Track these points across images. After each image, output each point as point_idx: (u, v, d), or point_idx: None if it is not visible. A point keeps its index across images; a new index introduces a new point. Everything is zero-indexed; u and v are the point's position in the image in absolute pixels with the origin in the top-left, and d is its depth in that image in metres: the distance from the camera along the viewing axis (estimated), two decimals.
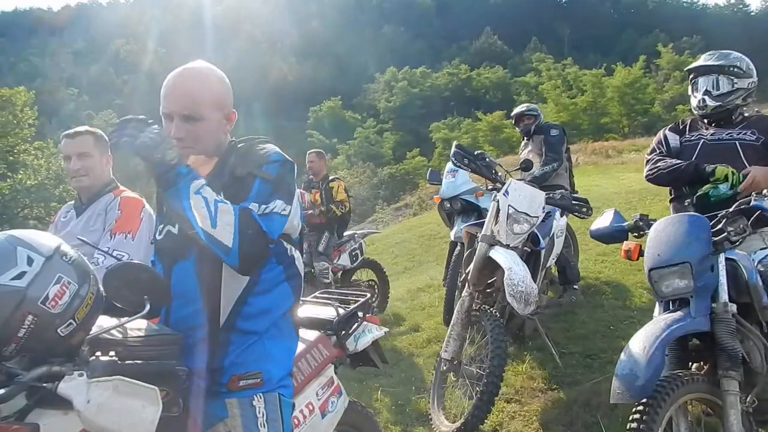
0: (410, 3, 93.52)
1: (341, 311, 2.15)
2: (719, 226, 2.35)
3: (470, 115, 46.68)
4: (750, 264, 2.37)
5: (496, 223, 3.43)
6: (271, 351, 1.66)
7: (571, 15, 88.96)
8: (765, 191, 2.51)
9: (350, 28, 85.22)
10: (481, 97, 60.30)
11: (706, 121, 3.01)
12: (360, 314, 2.22)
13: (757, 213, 2.34)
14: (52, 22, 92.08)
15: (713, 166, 2.70)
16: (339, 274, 5.97)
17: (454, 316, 3.34)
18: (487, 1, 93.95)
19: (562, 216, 4.41)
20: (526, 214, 3.42)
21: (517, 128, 5.90)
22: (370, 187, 34.35)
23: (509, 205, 3.40)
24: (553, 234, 4.19)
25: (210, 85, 1.65)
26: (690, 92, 3.03)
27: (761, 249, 2.54)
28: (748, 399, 2.20)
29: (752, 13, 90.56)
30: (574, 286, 5.03)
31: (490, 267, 3.42)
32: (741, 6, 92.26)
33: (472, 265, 3.42)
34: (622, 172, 14.32)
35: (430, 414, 3.27)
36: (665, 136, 3.09)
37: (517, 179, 5.50)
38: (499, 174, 3.60)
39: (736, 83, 2.89)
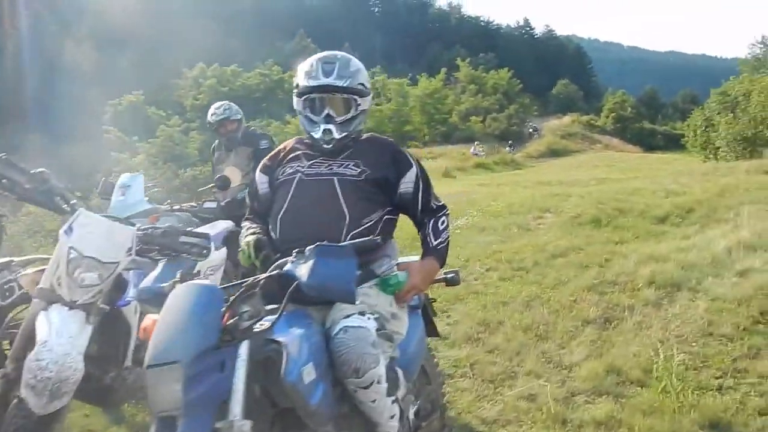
0: None
1: None
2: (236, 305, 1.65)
3: (282, 118, 46.27)
4: (299, 350, 1.69)
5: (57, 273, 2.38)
6: None
7: (383, 24, 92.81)
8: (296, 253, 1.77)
9: (159, 18, 79.79)
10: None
11: (305, 147, 2.31)
12: None
13: (294, 284, 1.70)
14: None
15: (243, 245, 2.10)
16: None
17: None
18: (302, 2, 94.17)
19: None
20: (97, 260, 2.36)
21: (218, 136, 4.85)
22: (171, 190, 32.15)
23: (71, 248, 2.35)
24: (198, 275, 2.85)
25: None
26: (302, 111, 2.23)
27: (346, 317, 1.84)
28: None
29: (536, 36, 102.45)
30: None
31: None
32: (528, 29, 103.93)
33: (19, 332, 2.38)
34: None
35: None
36: (255, 182, 2.35)
37: (210, 201, 4.50)
38: (72, 202, 2.50)
39: (360, 105, 2.23)
